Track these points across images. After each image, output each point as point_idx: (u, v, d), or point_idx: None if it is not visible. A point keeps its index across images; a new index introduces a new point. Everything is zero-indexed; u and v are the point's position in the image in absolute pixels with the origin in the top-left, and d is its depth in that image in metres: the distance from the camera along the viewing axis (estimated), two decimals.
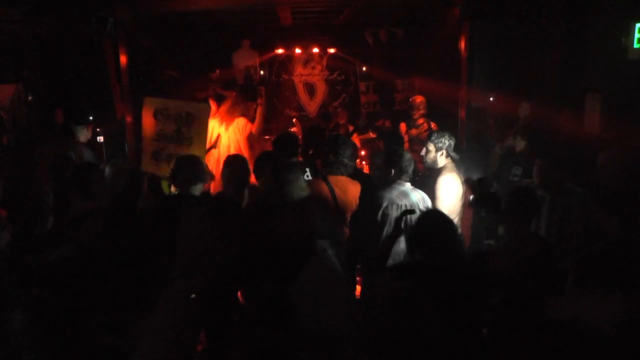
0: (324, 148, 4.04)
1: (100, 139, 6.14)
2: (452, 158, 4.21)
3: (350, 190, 3.90)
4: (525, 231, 3.19)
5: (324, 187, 3.86)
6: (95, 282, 2.95)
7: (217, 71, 8.54)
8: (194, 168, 3.71)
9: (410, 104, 6.70)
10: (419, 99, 6.68)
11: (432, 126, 6.49)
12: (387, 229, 3.66)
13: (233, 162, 3.82)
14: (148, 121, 4.99)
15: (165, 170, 4.65)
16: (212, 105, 6.26)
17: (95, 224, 3.22)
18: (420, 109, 6.56)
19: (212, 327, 3.78)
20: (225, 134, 6.11)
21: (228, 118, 6.14)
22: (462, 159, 4.49)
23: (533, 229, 3.49)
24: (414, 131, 6.60)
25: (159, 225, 3.51)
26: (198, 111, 4.96)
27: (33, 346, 2.60)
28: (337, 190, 3.85)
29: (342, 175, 3.92)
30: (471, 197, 4.30)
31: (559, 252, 3.23)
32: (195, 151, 4.75)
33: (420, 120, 6.58)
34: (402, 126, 6.83)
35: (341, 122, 7.57)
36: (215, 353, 3.75)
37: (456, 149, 4.33)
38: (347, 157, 3.90)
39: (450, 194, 4.05)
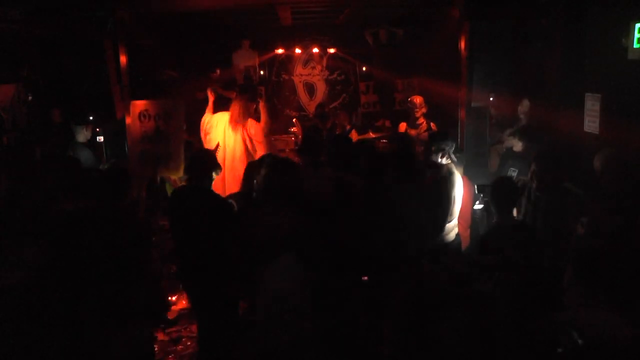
0: (331, 148, 4.08)
1: (100, 139, 6.14)
2: (451, 159, 4.24)
3: (356, 188, 3.91)
4: (509, 218, 3.43)
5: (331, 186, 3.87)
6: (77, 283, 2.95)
7: (217, 71, 8.53)
8: (207, 161, 3.87)
9: (410, 104, 6.69)
10: (418, 99, 6.67)
11: (432, 126, 6.49)
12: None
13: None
14: (133, 124, 5.10)
15: (150, 172, 4.70)
16: (210, 96, 6.10)
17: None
18: (422, 107, 6.58)
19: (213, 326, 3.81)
20: (232, 139, 6.06)
21: (238, 124, 6.09)
22: (460, 160, 4.50)
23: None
24: (412, 131, 6.60)
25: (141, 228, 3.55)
26: (173, 108, 5.04)
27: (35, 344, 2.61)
28: (343, 188, 3.87)
29: (347, 172, 3.96)
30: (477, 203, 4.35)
31: (558, 251, 3.24)
32: (172, 148, 4.87)
33: (421, 120, 6.59)
34: (402, 126, 6.82)
35: (338, 122, 7.57)
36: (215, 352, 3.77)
37: (456, 150, 4.35)
38: (350, 155, 3.98)
39: (460, 194, 4.15)
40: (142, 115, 5.06)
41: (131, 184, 3.71)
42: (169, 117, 5.00)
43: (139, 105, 5.20)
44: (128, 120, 5.56)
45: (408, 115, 6.80)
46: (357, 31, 8.95)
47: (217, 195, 3.93)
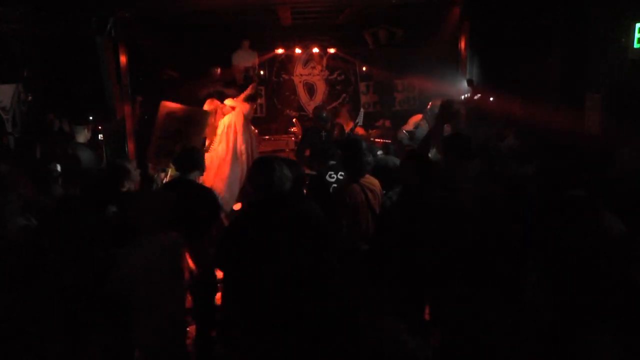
0: (347, 154, 3.98)
1: (101, 137, 6.15)
2: None
3: (377, 187, 3.87)
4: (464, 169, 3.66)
5: (359, 191, 3.79)
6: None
7: (219, 70, 8.51)
8: (193, 157, 4.18)
9: (432, 108, 6.15)
10: (439, 102, 6.34)
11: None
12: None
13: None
14: (159, 121, 5.55)
15: (165, 164, 5.26)
16: (212, 104, 6.33)
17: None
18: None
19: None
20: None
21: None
22: None
23: None
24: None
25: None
26: (199, 116, 5.56)
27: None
28: (369, 193, 3.80)
29: (366, 174, 3.90)
30: None
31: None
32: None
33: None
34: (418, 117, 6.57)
35: (337, 121, 7.54)
36: None
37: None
38: (367, 155, 3.92)
39: None
40: (168, 115, 5.50)
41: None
42: (193, 124, 5.48)
43: (168, 106, 5.68)
44: (128, 119, 5.84)
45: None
46: (357, 31, 8.95)
47: (203, 186, 4.29)
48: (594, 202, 2.75)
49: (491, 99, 6.61)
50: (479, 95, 6.28)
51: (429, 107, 6.38)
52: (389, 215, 3.60)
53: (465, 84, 6.53)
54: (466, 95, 6.54)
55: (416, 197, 3.53)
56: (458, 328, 2.84)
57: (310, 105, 9.69)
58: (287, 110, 9.71)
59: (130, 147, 6.43)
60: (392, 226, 3.47)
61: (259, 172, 3.14)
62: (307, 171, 6.30)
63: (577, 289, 2.30)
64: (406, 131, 6.40)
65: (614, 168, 3.80)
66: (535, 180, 3.81)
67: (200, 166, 4.20)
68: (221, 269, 3.30)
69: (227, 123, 6.34)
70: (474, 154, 3.94)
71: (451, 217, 3.44)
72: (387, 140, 7.64)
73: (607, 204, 3.03)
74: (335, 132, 7.07)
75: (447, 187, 3.76)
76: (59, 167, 4.38)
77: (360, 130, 7.44)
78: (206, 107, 6.36)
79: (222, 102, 6.55)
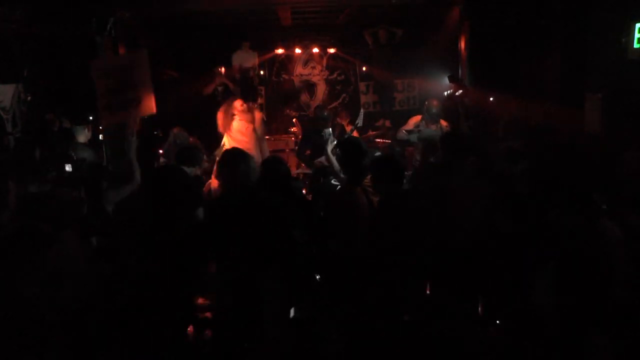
0: (347, 155, 3.90)
1: (101, 137, 6.16)
2: None
3: None
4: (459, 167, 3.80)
5: (361, 193, 3.70)
6: None
7: (223, 69, 8.48)
8: (189, 154, 4.51)
9: (429, 107, 6.24)
10: (435, 102, 6.28)
11: (443, 124, 6.25)
12: None
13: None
14: (97, 80, 5.08)
15: (122, 117, 4.87)
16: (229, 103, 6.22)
17: None
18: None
19: None
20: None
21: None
22: None
23: None
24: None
25: None
26: (138, 59, 5.05)
27: None
28: (370, 196, 3.71)
29: (368, 175, 3.79)
30: None
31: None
32: (141, 93, 4.92)
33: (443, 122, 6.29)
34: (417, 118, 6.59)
35: (341, 122, 7.53)
36: None
37: None
38: (368, 157, 3.84)
39: None
40: (103, 71, 5.04)
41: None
42: (135, 68, 5.00)
43: (98, 63, 5.35)
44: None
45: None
46: (357, 31, 8.95)
47: (188, 176, 4.12)
48: (586, 218, 2.75)
49: (491, 99, 6.62)
50: (461, 91, 6.27)
51: (425, 107, 6.39)
52: (381, 216, 3.59)
53: (462, 82, 6.52)
54: (449, 92, 6.57)
55: (406, 196, 3.58)
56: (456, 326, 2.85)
57: (310, 105, 9.69)
58: (287, 110, 9.71)
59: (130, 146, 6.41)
60: (385, 227, 3.45)
61: (224, 165, 3.44)
62: (307, 170, 6.35)
63: (577, 291, 2.30)
64: (406, 131, 6.41)
65: (621, 169, 3.80)
66: (530, 179, 3.81)
67: (194, 162, 4.49)
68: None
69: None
70: (469, 152, 3.95)
71: (445, 214, 3.46)
72: (386, 141, 7.65)
73: (612, 206, 3.02)
74: (336, 133, 7.07)
75: (442, 184, 3.77)
76: (68, 167, 4.36)
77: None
78: (221, 112, 6.09)
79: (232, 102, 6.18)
